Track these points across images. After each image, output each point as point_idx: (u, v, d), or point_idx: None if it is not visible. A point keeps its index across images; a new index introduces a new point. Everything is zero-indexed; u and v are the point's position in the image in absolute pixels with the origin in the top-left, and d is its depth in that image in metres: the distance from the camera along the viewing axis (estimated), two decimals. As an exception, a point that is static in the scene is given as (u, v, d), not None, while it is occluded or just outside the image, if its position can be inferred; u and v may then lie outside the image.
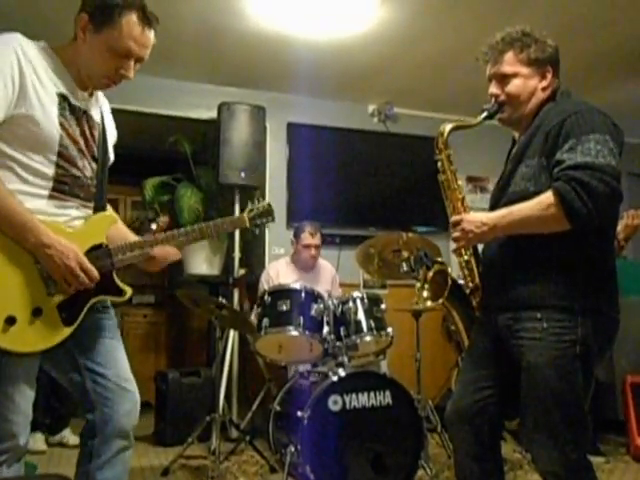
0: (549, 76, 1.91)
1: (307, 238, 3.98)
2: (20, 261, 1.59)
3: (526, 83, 1.90)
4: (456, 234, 1.84)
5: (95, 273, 1.67)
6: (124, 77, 1.74)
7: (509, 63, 1.90)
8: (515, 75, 1.89)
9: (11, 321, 1.56)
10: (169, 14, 3.71)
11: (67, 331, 1.68)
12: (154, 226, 1.83)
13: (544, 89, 1.91)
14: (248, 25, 3.89)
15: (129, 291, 1.80)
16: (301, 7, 3.67)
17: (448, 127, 1.96)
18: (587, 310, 1.73)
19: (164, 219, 1.83)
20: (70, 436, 4.02)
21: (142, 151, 5.98)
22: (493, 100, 1.94)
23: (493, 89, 1.94)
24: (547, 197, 1.69)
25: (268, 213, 2.02)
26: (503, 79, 1.91)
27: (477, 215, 1.84)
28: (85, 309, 1.71)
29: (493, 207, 1.92)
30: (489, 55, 1.94)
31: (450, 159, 1.98)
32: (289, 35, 4.02)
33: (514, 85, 1.90)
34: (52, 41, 1.73)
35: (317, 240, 4.00)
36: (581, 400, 1.73)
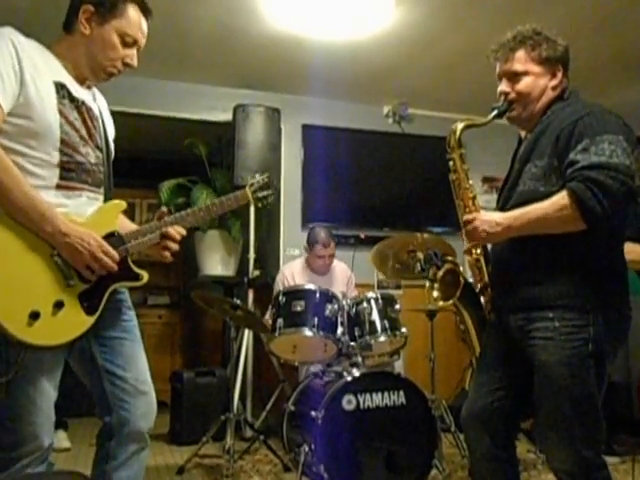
0: (559, 75, 1.91)
1: (320, 250, 3.99)
2: (38, 255, 1.60)
3: (537, 82, 1.89)
4: (471, 233, 1.83)
5: (116, 255, 1.69)
6: (129, 66, 1.79)
7: (520, 61, 1.89)
8: (526, 73, 1.89)
9: (35, 316, 1.57)
10: (184, 17, 3.75)
11: (90, 320, 1.69)
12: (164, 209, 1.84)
13: (554, 88, 1.91)
14: (263, 27, 3.92)
15: (145, 275, 1.80)
16: (316, 9, 3.68)
17: (460, 126, 1.96)
18: (599, 308, 1.73)
19: (163, 209, 1.84)
20: (64, 440, 3.94)
21: (158, 154, 6.05)
22: (503, 98, 1.93)
23: (503, 87, 1.93)
24: (562, 197, 1.68)
25: (268, 186, 2.04)
26: (514, 77, 1.90)
27: (491, 215, 1.83)
28: (105, 296, 1.72)
29: (502, 207, 1.91)
30: (500, 53, 1.93)
31: (462, 158, 1.97)
32: (304, 37, 4.03)
33: (525, 83, 1.89)
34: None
35: (331, 250, 4.01)
36: (594, 398, 1.73)
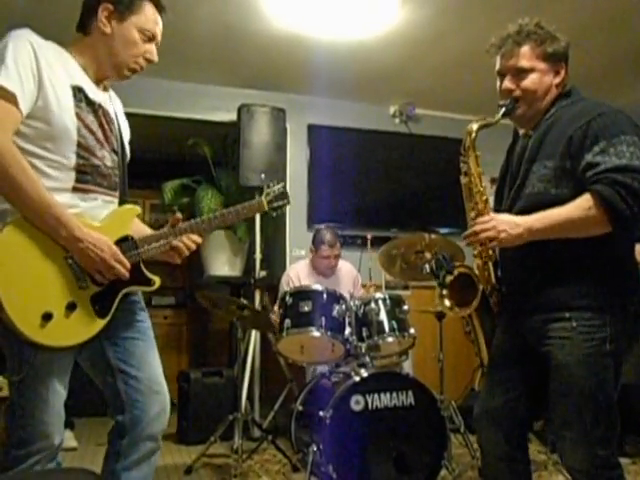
0: (562, 72, 1.87)
1: (326, 250, 3.96)
2: (52, 256, 1.61)
3: (542, 79, 1.84)
4: (487, 234, 1.77)
5: (128, 263, 1.69)
6: (150, 61, 1.83)
7: (526, 57, 1.83)
8: (532, 70, 1.83)
9: (48, 317, 1.58)
10: (188, 17, 3.75)
11: (101, 323, 1.70)
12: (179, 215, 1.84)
13: (557, 86, 1.87)
14: (268, 27, 3.91)
15: (157, 280, 1.81)
16: (321, 8, 3.68)
17: (475, 126, 1.89)
18: (616, 308, 1.73)
19: (178, 215, 1.85)
20: (70, 440, 3.85)
21: (162, 154, 6.05)
22: (506, 95, 1.87)
23: (508, 84, 1.86)
24: (586, 200, 1.66)
25: (284, 196, 2.05)
26: (518, 74, 1.84)
27: (509, 216, 1.79)
28: (117, 300, 1.73)
29: (509, 209, 1.86)
30: (503, 48, 1.87)
31: (478, 160, 1.92)
32: (309, 36, 4.03)
33: (531, 80, 1.84)
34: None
35: (336, 250, 3.99)
36: (611, 398, 1.72)
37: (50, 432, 1.65)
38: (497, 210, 1.94)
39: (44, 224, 1.58)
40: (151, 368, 1.82)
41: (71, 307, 1.63)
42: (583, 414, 1.71)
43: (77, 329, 1.65)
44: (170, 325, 6.04)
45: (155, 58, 1.83)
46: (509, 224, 1.75)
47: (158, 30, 1.82)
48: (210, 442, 3.47)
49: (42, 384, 1.63)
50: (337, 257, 4.03)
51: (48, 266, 1.61)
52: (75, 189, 1.68)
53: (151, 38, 1.81)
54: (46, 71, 1.61)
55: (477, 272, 1.97)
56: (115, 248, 1.67)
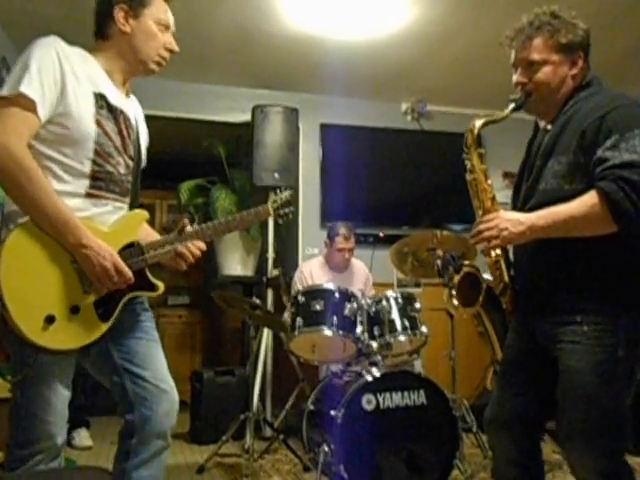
0: (580, 62, 1.80)
1: (341, 242, 3.97)
2: (58, 260, 1.62)
3: (556, 71, 1.78)
4: (490, 232, 1.72)
5: (129, 275, 1.69)
6: (171, 51, 1.85)
7: (538, 49, 1.78)
8: (544, 62, 1.78)
9: (50, 320, 1.59)
10: (202, 18, 3.77)
11: (104, 327, 1.70)
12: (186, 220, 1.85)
13: (574, 77, 1.80)
14: (280, 28, 3.92)
15: (161, 286, 1.81)
16: (333, 8, 3.68)
17: (478, 123, 1.85)
18: (629, 312, 1.66)
19: (185, 220, 1.86)
20: (86, 439, 4.00)
21: (177, 155, 6.08)
22: (519, 89, 1.83)
23: (519, 77, 1.82)
24: (591, 197, 1.60)
25: (289, 203, 2.06)
26: (530, 66, 1.79)
27: (513, 214, 1.75)
28: (120, 305, 1.73)
29: (523, 206, 1.82)
30: (515, 40, 1.82)
31: (481, 158, 1.87)
32: (321, 36, 4.03)
33: (543, 73, 1.78)
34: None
35: (351, 243, 4.00)
36: (621, 406, 1.65)
37: (53, 432, 1.66)
38: (514, 206, 1.89)
39: (52, 229, 1.60)
40: (157, 366, 1.82)
41: (74, 311, 1.64)
42: (589, 423, 1.64)
43: (79, 333, 1.66)
44: (184, 324, 6.08)
45: (176, 47, 1.85)
46: (512, 222, 1.69)
47: (170, 18, 1.85)
48: (222, 441, 3.48)
49: (44, 384, 1.64)
50: (351, 251, 4.03)
51: (54, 270, 1.62)
52: (88, 195, 1.70)
53: (167, 27, 1.84)
54: (70, 78, 1.64)
55: (489, 270, 1.92)
56: (117, 258, 1.67)
